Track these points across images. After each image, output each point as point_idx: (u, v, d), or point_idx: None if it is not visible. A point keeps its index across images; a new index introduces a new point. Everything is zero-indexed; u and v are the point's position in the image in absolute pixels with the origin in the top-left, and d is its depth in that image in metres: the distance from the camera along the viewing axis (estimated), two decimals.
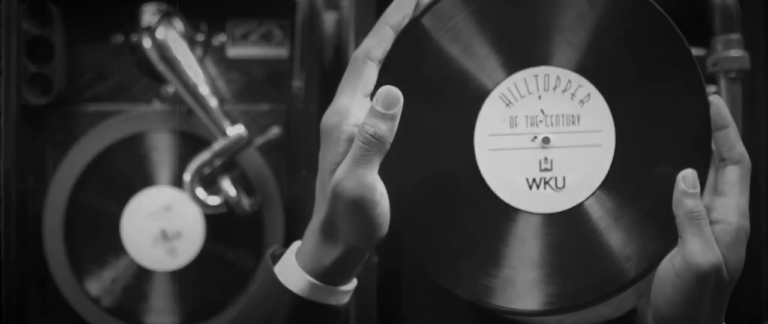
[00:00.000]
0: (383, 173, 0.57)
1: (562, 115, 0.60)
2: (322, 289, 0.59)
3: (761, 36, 0.91)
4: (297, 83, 0.95)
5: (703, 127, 0.59)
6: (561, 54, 0.59)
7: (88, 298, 0.95)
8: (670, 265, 0.58)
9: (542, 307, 0.60)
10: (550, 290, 0.60)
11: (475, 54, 0.59)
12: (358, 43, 0.87)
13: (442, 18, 0.59)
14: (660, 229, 0.59)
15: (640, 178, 0.59)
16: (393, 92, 0.55)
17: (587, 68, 0.59)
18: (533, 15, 0.59)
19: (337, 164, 0.56)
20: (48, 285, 0.96)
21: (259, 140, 0.94)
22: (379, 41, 0.58)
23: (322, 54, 1.01)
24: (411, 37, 0.59)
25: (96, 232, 0.95)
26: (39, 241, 0.95)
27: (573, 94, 0.59)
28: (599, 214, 0.60)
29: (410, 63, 0.59)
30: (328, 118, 0.57)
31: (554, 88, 0.59)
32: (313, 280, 0.59)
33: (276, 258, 0.61)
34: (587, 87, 0.59)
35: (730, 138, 0.59)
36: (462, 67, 0.59)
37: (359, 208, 0.55)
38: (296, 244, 0.61)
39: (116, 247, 0.94)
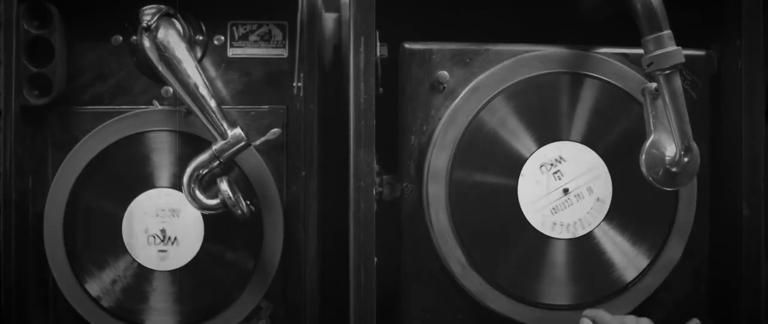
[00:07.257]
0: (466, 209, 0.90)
1: (578, 175, 0.90)
2: None
3: (761, 37, 0.90)
4: (297, 84, 0.95)
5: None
6: (574, 132, 0.90)
7: (89, 298, 0.95)
8: None
9: (568, 303, 0.91)
10: (573, 290, 0.91)
11: (516, 132, 0.89)
12: (357, 44, 0.87)
13: (494, 111, 0.90)
14: (645, 249, 0.92)
15: (626, 216, 0.91)
16: None
17: (590, 142, 0.90)
18: (552, 107, 0.89)
19: None
20: (48, 285, 0.96)
21: (259, 141, 0.94)
22: None
23: (321, 54, 1.01)
24: (474, 123, 0.89)
25: (96, 232, 0.95)
26: (39, 241, 0.95)
27: (584, 162, 0.90)
28: (602, 239, 0.91)
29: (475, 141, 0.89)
30: None
31: (572, 158, 0.90)
32: None
33: None
34: (594, 156, 0.90)
35: None
36: (508, 141, 0.89)
37: None
38: None
39: (116, 248, 0.94)
